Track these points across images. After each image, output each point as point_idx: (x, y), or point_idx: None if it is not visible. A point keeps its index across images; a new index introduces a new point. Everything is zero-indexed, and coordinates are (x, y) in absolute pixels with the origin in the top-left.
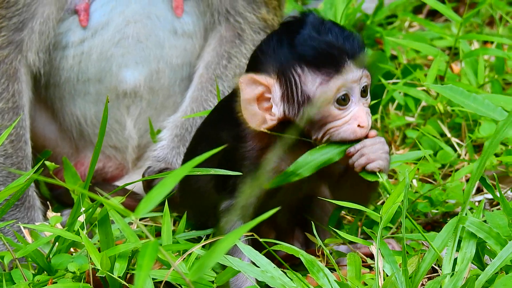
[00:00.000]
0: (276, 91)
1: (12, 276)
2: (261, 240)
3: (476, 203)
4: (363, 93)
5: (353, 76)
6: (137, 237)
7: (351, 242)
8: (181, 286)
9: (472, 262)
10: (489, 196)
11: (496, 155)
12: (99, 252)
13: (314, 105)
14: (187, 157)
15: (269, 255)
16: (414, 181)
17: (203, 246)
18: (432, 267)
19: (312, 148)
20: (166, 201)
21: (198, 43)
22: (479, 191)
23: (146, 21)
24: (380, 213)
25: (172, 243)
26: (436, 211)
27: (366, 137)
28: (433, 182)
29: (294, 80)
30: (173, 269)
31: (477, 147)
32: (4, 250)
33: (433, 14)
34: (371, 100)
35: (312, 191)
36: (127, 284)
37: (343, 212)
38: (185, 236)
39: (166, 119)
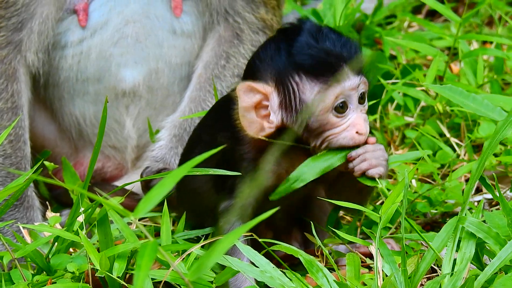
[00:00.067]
0: (274, 99)
1: (11, 276)
2: (260, 240)
3: (475, 203)
4: (361, 100)
5: (351, 84)
6: (136, 237)
7: (350, 242)
8: (180, 286)
9: (471, 262)
10: (488, 196)
11: (495, 155)
12: (98, 252)
13: (313, 113)
14: (184, 158)
15: (268, 255)
16: (413, 181)
17: (202, 246)
18: (431, 267)
19: (308, 153)
20: (165, 201)
21: (197, 43)
22: (478, 191)
23: (145, 21)
24: (379, 213)
25: (171, 243)
26: (435, 211)
27: (365, 143)
28: (432, 182)
29: (292, 88)
30: (172, 269)
31: (476, 147)
32: (3, 250)
33: (432, 14)
34: (371, 100)
35: (310, 192)
36: (126, 284)
37: (342, 212)
38: (184, 236)
39: (165, 119)
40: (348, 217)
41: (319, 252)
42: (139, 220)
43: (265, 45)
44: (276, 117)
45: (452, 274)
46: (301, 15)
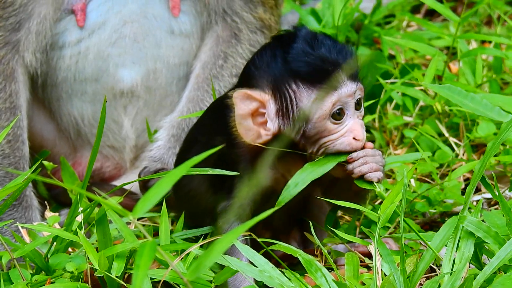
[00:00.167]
0: (271, 106)
1: (10, 276)
2: (259, 240)
3: (474, 203)
4: (357, 106)
5: (348, 91)
6: (135, 237)
7: (349, 242)
8: (179, 286)
9: (470, 262)
10: (487, 195)
11: (494, 154)
12: (97, 252)
13: (310, 120)
14: (179, 159)
15: (267, 255)
16: (412, 180)
17: (201, 246)
18: (430, 266)
19: (303, 157)
20: (164, 201)
21: (195, 43)
22: (477, 190)
23: (143, 21)
24: (378, 212)
25: (170, 242)
26: (434, 211)
27: (363, 148)
28: (431, 182)
29: (290, 96)
30: (171, 269)
31: (475, 147)
32: (2, 250)
33: (431, 14)
34: (369, 99)
35: (308, 193)
36: (125, 284)
37: (341, 212)
38: (182, 236)
39: (163, 119)
40: (347, 217)
41: (318, 252)
42: (138, 219)
43: (261, 52)
44: (273, 125)
45: (451, 273)
46: (300, 14)
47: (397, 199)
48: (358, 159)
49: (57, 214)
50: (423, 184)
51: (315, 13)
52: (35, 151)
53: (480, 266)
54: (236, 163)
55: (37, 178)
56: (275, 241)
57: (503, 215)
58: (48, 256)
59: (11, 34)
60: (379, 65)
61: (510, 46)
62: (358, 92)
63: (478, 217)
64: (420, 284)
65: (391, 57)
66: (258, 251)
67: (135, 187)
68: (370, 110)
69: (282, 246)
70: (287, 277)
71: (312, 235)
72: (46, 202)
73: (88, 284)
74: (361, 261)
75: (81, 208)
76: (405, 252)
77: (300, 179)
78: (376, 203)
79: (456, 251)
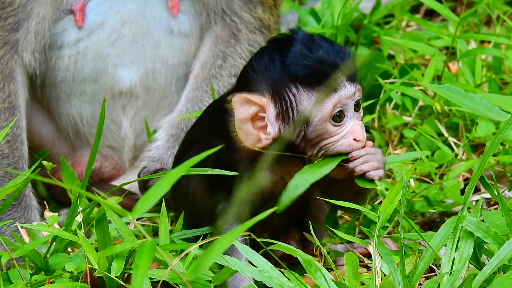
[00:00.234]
0: (271, 110)
1: (9, 276)
2: (258, 240)
3: (474, 203)
4: (356, 107)
5: (348, 92)
6: (134, 237)
7: (348, 242)
8: (178, 286)
9: (469, 262)
10: (486, 195)
11: (494, 154)
12: (96, 252)
13: (310, 123)
14: (177, 161)
15: (266, 255)
16: (412, 180)
17: (201, 246)
18: (430, 266)
19: (302, 159)
20: (163, 201)
21: (194, 42)
22: (476, 190)
23: (142, 21)
24: (378, 212)
25: (169, 242)
26: (433, 211)
27: (363, 147)
28: (431, 182)
29: (289, 99)
30: (171, 269)
31: (475, 147)
32: (1, 250)
33: (431, 14)
34: (369, 99)
35: (308, 194)
36: (124, 284)
37: (340, 211)
38: (182, 236)
39: (162, 119)
40: (346, 217)
41: (318, 252)
42: (137, 219)
43: (258, 56)
44: (273, 129)
45: (450, 273)
46: (299, 14)
47: (396, 199)
48: (359, 157)
49: (56, 214)
50: (423, 184)
51: (314, 13)
52: (34, 151)
53: (480, 266)
54: (234, 166)
55: (37, 178)
56: (274, 241)
57: (503, 215)
58: (48, 256)
59: (9, 34)
60: (379, 65)
61: (509, 46)
62: (357, 94)
63: (477, 217)
64: (420, 284)
65: (391, 57)
66: (257, 251)
67: (134, 187)
68: (369, 110)
69: (282, 246)
70: (287, 277)
71: (312, 235)
72: (45, 202)
73: (88, 284)
74: (360, 261)
75: (80, 208)
76: (405, 252)
77: (300, 182)
78: (376, 203)
79: (455, 251)
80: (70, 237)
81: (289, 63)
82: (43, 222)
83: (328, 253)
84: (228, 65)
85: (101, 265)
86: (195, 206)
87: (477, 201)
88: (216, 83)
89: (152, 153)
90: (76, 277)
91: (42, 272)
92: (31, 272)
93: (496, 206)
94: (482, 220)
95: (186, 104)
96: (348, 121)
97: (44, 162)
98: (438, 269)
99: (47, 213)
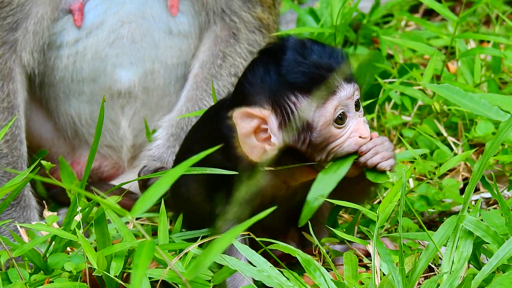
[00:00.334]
0: (273, 121)
1: (8, 275)
2: (257, 239)
3: (473, 202)
4: (356, 107)
5: (347, 93)
6: (133, 236)
7: (347, 241)
8: (177, 285)
9: (469, 262)
10: (485, 195)
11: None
12: (96, 251)
13: (314, 129)
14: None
15: (265, 255)
16: (411, 180)
17: (200, 246)
18: (429, 266)
19: (305, 161)
20: (163, 200)
21: (193, 42)
22: (475, 190)
23: (141, 21)
24: (377, 212)
25: (168, 242)
26: (433, 210)
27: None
28: (430, 182)
29: (290, 108)
30: (170, 268)
31: (474, 147)
32: (0, 249)
33: (430, 13)
34: (368, 99)
35: (307, 194)
36: (123, 283)
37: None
38: (181, 236)
39: (161, 119)
40: (345, 216)
41: (317, 251)
42: (137, 219)
43: (252, 68)
44: (277, 139)
45: (449, 273)
46: (298, 14)
47: (395, 198)
48: (369, 150)
49: (55, 213)
50: (422, 184)
51: (313, 12)
52: (33, 151)
53: (479, 265)
54: (235, 169)
55: (36, 177)
56: (273, 241)
57: (502, 215)
58: (47, 255)
59: (8, 33)
60: (378, 64)
61: (508, 45)
62: (356, 93)
63: (477, 216)
64: (419, 283)
65: (390, 57)
66: (256, 251)
67: (133, 186)
68: (368, 110)
69: (281, 246)
70: (286, 277)
71: (311, 235)
72: (44, 201)
73: (87, 284)
74: (359, 261)
75: (79, 208)
76: (404, 251)
77: (319, 192)
78: (375, 202)
79: (455, 250)
80: (69, 237)
81: (284, 72)
82: (42, 221)
83: (327, 252)
84: (227, 64)
85: (100, 265)
86: (195, 207)
87: (476, 200)
88: (216, 82)
89: (152, 152)
90: (75, 276)
91: (41, 271)
92: (30, 271)
93: (495, 206)
94: (482, 220)
95: (186, 103)
96: (351, 121)
97: (43, 162)
98: (438, 269)
99: (46, 213)
